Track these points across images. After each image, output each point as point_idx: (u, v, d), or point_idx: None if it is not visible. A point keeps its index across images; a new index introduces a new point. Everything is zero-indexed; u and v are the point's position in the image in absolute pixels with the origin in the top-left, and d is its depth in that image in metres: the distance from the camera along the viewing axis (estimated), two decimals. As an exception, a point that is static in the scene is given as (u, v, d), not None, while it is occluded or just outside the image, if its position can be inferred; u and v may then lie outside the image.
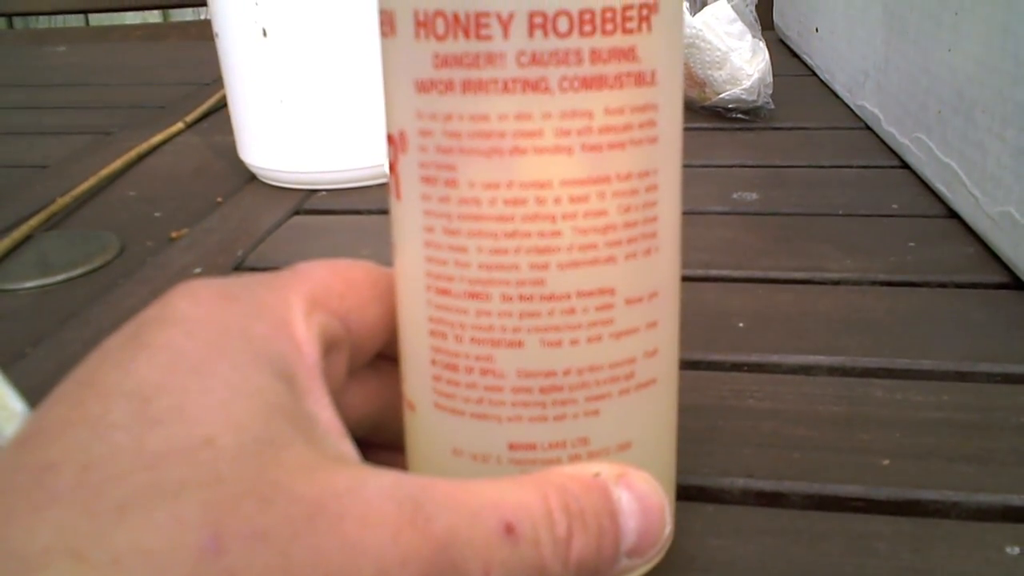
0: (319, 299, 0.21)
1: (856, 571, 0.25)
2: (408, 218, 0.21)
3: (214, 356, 0.18)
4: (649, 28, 0.19)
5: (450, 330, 0.21)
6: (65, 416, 0.17)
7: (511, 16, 0.18)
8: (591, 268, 0.20)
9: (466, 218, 0.20)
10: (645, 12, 0.19)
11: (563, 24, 0.18)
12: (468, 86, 0.19)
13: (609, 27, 0.19)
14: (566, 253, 0.20)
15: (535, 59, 0.18)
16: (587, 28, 0.18)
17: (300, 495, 0.16)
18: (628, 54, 0.19)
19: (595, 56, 0.19)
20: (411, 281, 0.21)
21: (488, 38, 0.18)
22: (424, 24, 0.19)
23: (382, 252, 0.23)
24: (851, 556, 0.25)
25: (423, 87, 0.20)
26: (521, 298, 0.20)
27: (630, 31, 0.19)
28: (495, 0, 0.18)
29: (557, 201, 0.19)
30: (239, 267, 0.48)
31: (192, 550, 0.14)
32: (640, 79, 0.19)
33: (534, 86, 0.19)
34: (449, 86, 0.19)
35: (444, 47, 0.19)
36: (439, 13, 0.19)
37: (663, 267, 0.21)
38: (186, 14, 1.60)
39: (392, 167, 0.21)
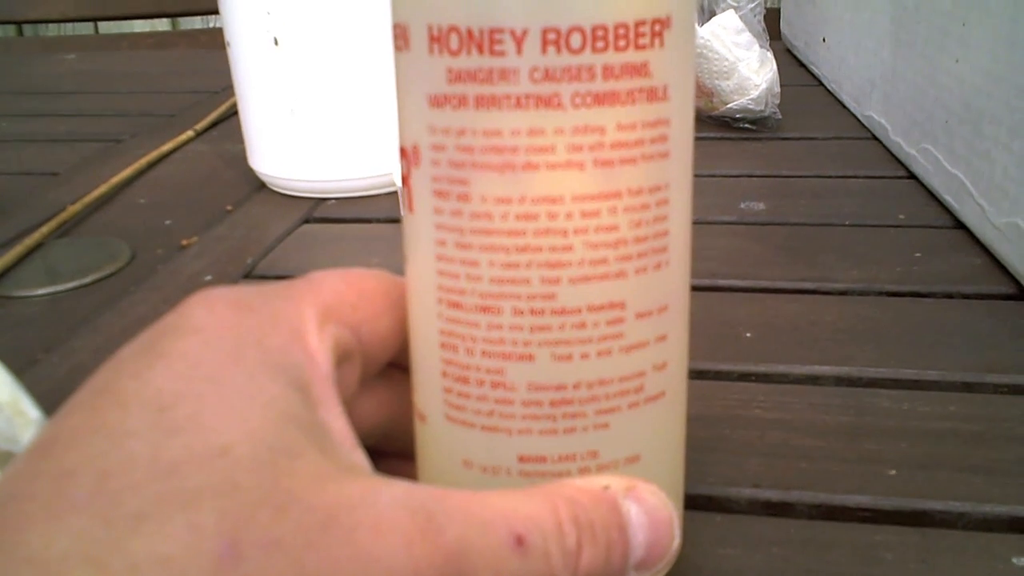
0: (332, 310, 0.21)
1: (863, 582, 0.25)
2: (420, 231, 0.21)
3: (230, 366, 0.18)
4: (662, 44, 0.19)
5: (461, 343, 0.21)
6: (83, 424, 0.17)
7: (524, 32, 0.18)
8: (602, 282, 0.20)
9: (478, 232, 0.20)
10: (658, 28, 0.19)
11: (576, 40, 0.19)
12: (481, 101, 0.19)
13: (622, 43, 0.19)
14: (577, 268, 0.20)
15: (548, 75, 0.19)
16: (600, 44, 0.19)
17: (314, 504, 0.16)
18: (640, 70, 0.19)
19: (607, 72, 0.19)
20: (422, 294, 0.22)
21: (502, 54, 0.19)
22: (438, 39, 0.19)
23: (391, 261, 0.23)
24: (858, 566, 0.25)
25: (436, 102, 0.20)
26: (532, 312, 0.20)
27: (643, 47, 0.19)
28: (509, 16, 0.18)
29: (569, 216, 0.20)
30: (249, 275, 0.48)
31: (209, 558, 0.15)
32: (652, 95, 0.20)
33: (547, 102, 0.19)
34: (462, 101, 0.19)
35: (458, 62, 0.19)
36: (453, 28, 0.19)
37: (673, 281, 0.22)
38: (195, 22, 1.61)
39: (405, 180, 0.22)
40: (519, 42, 0.19)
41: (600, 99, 0.19)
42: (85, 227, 0.58)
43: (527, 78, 0.19)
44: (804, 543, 0.26)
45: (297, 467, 0.17)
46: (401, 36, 0.20)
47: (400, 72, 0.21)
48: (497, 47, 0.19)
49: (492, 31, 0.19)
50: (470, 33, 0.19)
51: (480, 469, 0.22)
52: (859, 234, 0.50)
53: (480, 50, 0.19)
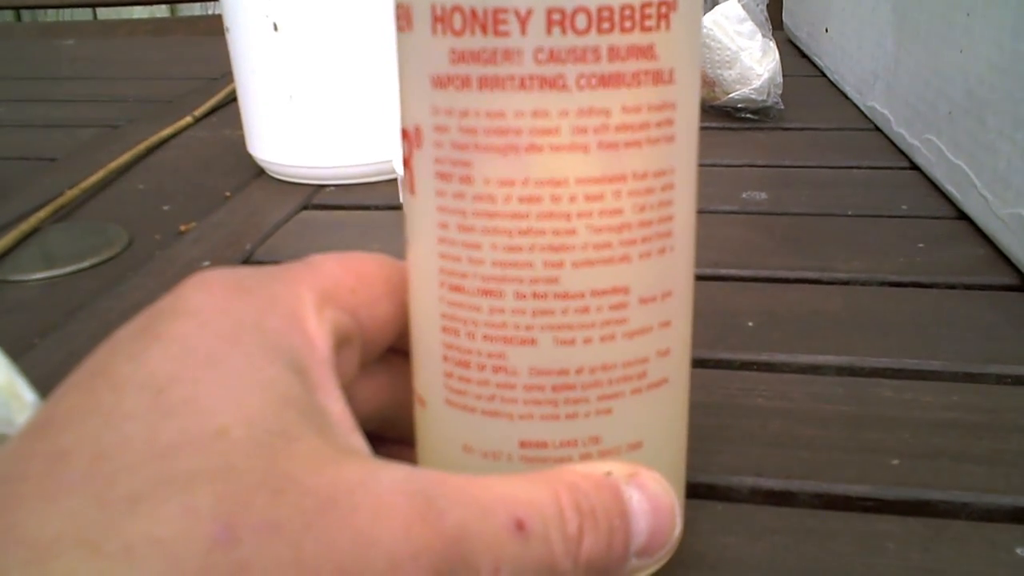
0: (330, 294, 0.21)
1: (866, 571, 0.25)
2: (422, 214, 0.21)
3: (227, 348, 0.18)
4: (668, 26, 0.19)
5: (463, 327, 0.21)
6: (78, 405, 0.17)
7: (529, 12, 0.18)
8: (605, 267, 0.20)
9: (480, 215, 0.20)
10: (664, 10, 0.19)
11: (581, 21, 0.18)
12: (485, 82, 0.19)
13: (628, 24, 0.19)
14: (580, 251, 0.20)
15: (553, 56, 0.18)
16: (605, 25, 0.18)
17: (312, 487, 0.16)
18: (647, 52, 0.19)
19: (613, 54, 0.19)
20: (424, 277, 0.21)
21: (506, 34, 0.18)
22: (441, 19, 0.19)
23: (390, 248, 0.23)
24: (861, 556, 0.25)
25: (439, 82, 0.20)
26: (535, 296, 0.20)
27: (649, 28, 0.19)
28: (513, -4, 0.18)
29: (572, 199, 0.19)
30: (247, 261, 0.48)
31: (204, 541, 0.14)
32: (658, 77, 0.19)
33: (551, 83, 0.19)
34: (466, 82, 0.19)
35: (461, 42, 0.19)
36: (456, 8, 0.19)
37: (677, 267, 0.21)
38: (194, 8, 1.61)
39: (407, 162, 0.21)
40: (523, 22, 0.18)
41: (605, 81, 0.19)
42: (83, 212, 0.57)
43: (531, 59, 0.19)
44: (806, 532, 0.26)
45: (295, 450, 0.17)
46: (404, 16, 0.20)
47: (402, 53, 0.21)
48: (501, 27, 0.18)
49: (496, 11, 0.18)
50: (474, 13, 0.19)
51: (481, 454, 0.21)
52: (861, 224, 0.49)
53: (484, 30, 0.19)
